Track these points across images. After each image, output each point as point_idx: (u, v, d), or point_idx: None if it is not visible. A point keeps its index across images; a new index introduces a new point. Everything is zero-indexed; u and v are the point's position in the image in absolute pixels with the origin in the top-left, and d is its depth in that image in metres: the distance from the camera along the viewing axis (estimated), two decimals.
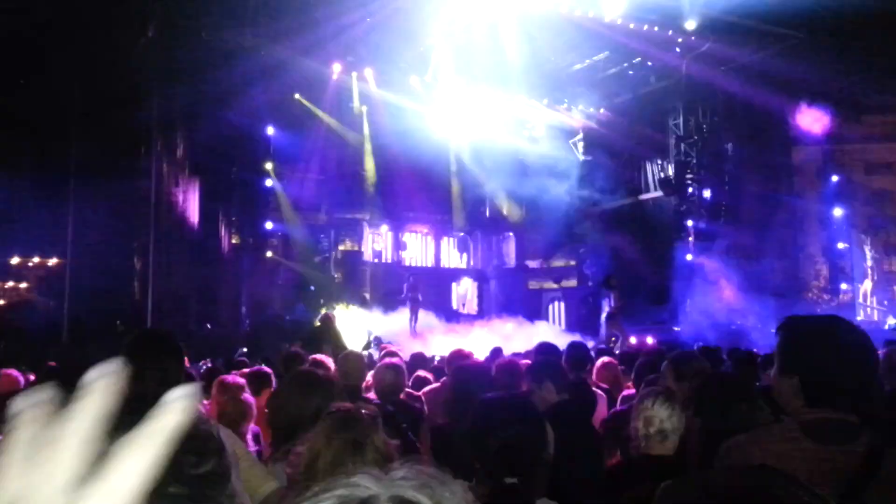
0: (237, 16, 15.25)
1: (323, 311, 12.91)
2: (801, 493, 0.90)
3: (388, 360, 4.94)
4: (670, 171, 20.82)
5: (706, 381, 3.03)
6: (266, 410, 4.36)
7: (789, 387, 2.04)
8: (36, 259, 13.97)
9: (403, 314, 19.07)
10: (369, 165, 21.40)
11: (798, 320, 2.13)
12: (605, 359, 6.26)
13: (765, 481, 0.92)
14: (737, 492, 0.92)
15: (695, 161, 20.61)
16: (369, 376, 5.18)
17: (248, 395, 4.41)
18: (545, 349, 5.29)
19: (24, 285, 13.85)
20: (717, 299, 18.80)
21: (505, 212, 24.15)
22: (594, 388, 5.24)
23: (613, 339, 15.53)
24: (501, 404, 2.43)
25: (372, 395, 4.64)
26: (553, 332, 17.74)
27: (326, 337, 9.95)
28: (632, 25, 17.62)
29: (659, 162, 21.55)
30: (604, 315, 17.71)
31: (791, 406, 2.05)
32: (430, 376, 6.19)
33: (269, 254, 19.64)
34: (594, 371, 5.94)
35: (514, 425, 2.26)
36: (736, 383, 2.95)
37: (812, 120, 20.64)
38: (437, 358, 9.23)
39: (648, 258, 20.34)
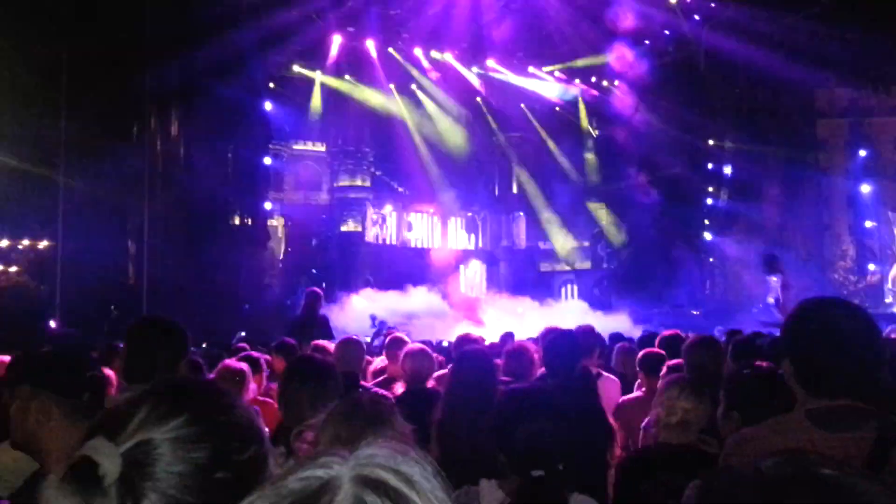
0: None
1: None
2: (853, 474, 0.91)
3: (414, 345, 5.01)
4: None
5: (743, 375, 2.85)
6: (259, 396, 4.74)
7: (788, 372, 2.00)
8: (26, 242, 13.59)
9: (408, 298, 18.06)
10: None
11: (800, 303, 2.05)
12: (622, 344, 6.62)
13: (817, 466, 0.91)
14: (794, 478, 0.90)
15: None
16: (379, 362, 5.82)
17: (250, 380, 4.53)
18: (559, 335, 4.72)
19: (14, 269, 13.44)
20: (737, 281, 18.17)
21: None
22: (606, 374, 5.33)
23: None
24: (527, 396, 2.39)
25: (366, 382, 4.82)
26: (577, 310, 17.09)
27: (312, 320, 9.20)
28: None
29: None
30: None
31: (796, 393, 1.99)
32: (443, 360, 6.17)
33: (270, 237, 19.39)
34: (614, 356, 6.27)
35: (542, 417, 2.24)
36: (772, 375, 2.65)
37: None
38: (444, 343, 9.15)
39: (665, 239, 19.91)
